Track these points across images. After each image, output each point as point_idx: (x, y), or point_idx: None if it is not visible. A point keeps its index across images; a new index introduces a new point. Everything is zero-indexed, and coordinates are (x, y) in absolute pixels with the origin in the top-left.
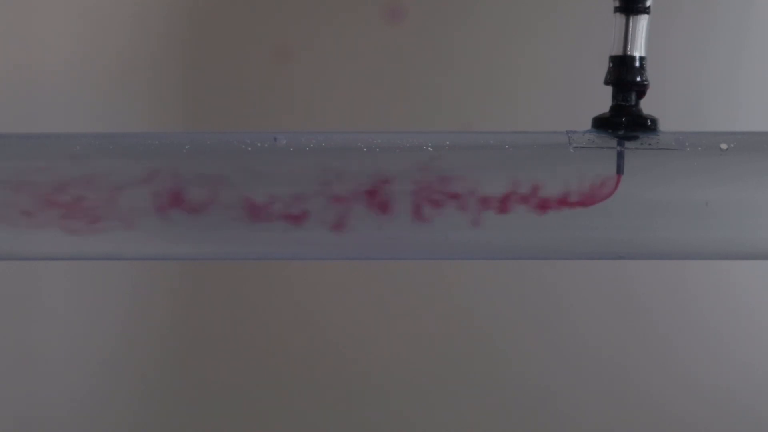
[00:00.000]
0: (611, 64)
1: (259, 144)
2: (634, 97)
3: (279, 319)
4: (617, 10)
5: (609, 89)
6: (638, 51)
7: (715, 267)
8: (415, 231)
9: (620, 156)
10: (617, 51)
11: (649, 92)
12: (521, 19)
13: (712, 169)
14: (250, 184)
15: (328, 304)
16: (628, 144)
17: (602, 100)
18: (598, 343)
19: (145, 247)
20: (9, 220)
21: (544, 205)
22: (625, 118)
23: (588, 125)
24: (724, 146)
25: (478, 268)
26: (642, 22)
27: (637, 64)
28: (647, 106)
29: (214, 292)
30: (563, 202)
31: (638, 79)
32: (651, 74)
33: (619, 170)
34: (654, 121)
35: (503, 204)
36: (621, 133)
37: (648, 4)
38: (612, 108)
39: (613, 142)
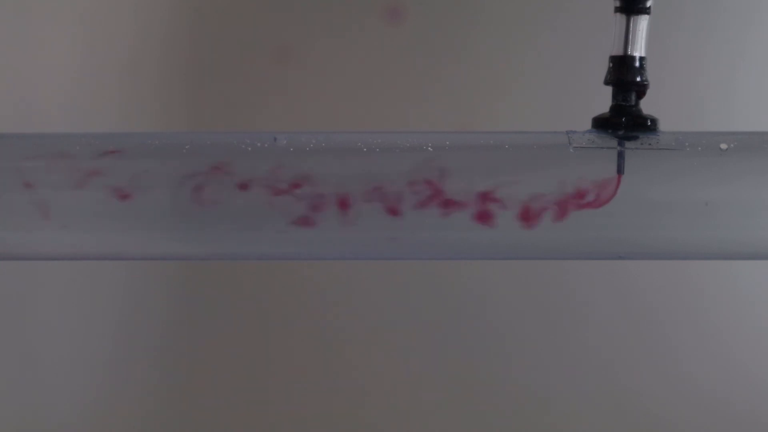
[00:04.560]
0: (611, 64)
1: (259, 144)
2: (634, 97)
3: (278, 319)
4: (617, 10)
5: (609, 89)
6: (638, 51)
7: (718, 266)
8: (414, 231)
9: (620, 156)
10: (617, 51)
11: (649, 92)
12: (521, 19)
13: (712, 169)
14: (249, 183)
15: (329, 304)
16: (628, 144)
17: (602, 100)
18: (600, 343)
19: (144, 248)
20: (9, 220)
21: (543, 206)
22: (625, 118)
23: (588, 125)
24: (724, 146)
25: (478, 268)
26: (642, 22)
27: (637, 64)
28: (647, 106)
29: (213, 291)
30: (563, 202)
31: (638, 79)
32: (651, 74)
33: (620, 170)
34: (654, 121)
35: (503, 204)
36: (621, 133)
37: (648, 4)
38: (612, 108)
39: (613, 142)
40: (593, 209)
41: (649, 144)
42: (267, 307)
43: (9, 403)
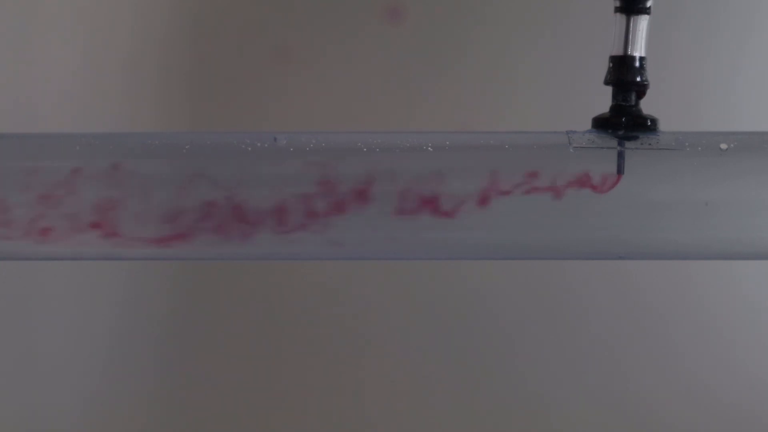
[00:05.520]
0: (611, 64)
1: (259, 144)
2: (634, 97)
3: (278, 319)
4: (617, 10)
5: (609, 89)
6: (638, 51)
7: (718, 266)
8: (414, 231)
9: (620, 156)
10: (617, 51)
11: (649, 92)
12: (521, 19)
13: (712, 169)
14: (250, 183)
15: (329, 304)
16: (628, 144)
17: (602, 100)
18: (601, 343)
19: (144, 247)
20: (8, 220)
21: (543, 206)
22: (625, 118)
23: (588, 125)
24: (724, 146)
25: (479, 268)
26: (642, 22)
27: (637, 64)
28: (647, 106)
29: (213, 291)
30: (563, 202)
31: (638, 79)
32: (651, 74)
33: (620, 170)
34: (654, 121)
35: (502, 204)
36: (621, 133)
37: (648, 4)
38: (612, 108)
39: (613, 142)
40: (593, 209)
41: (649, 144)
42: (267, 307)
43: (9, 403)
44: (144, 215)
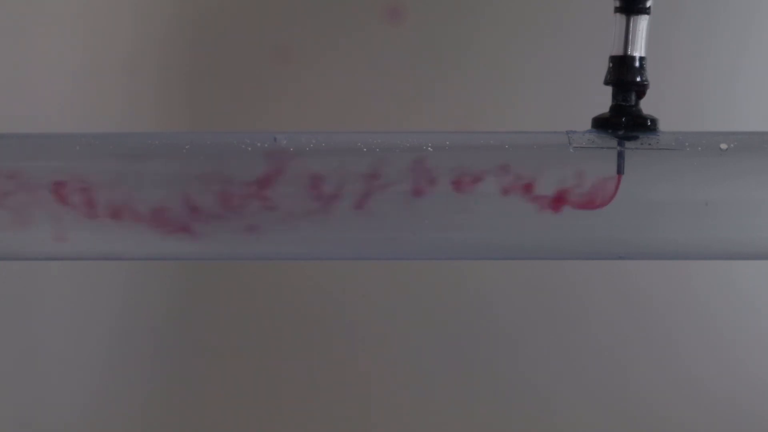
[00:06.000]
0: (611, 64)
1: (259, 144)
2: (634, 97)
3: (279, 319)
4: (617, 10)
5: (609, 89)
6: (638, 51)
7: (718, 266)
8: (414, 231)
9: (620, 156)
10: (617, 51)
11: (649, 92)
12: (521, 19)
13: (712, 169)
14: (249, 183)
15: (330, 304)
16: (628, 144)
17: (602, 100)
18: (601, 342)
19: (144, 247)
20: (8, 220)
21: (543, 206)
22: (625, 118)
23: (588, 125)
24: (724, 146)
25: (479, 268)
26: (642, 22)
27: (637, 64)
28: (647, 106)
29: (213, 292)
30: (563, 202)
31: (638, 79)
32: (651, 74)
33: (620, 170)
34: (654, 121)
35: (503, 204)
36: (621, 133)
37: (648, 4)
38: (612, 108)
39: (613, 142)
40: (593, 210)
41: (649, 144)
42: (267, 307)
43: (9, 402)
44: (143, 214)
